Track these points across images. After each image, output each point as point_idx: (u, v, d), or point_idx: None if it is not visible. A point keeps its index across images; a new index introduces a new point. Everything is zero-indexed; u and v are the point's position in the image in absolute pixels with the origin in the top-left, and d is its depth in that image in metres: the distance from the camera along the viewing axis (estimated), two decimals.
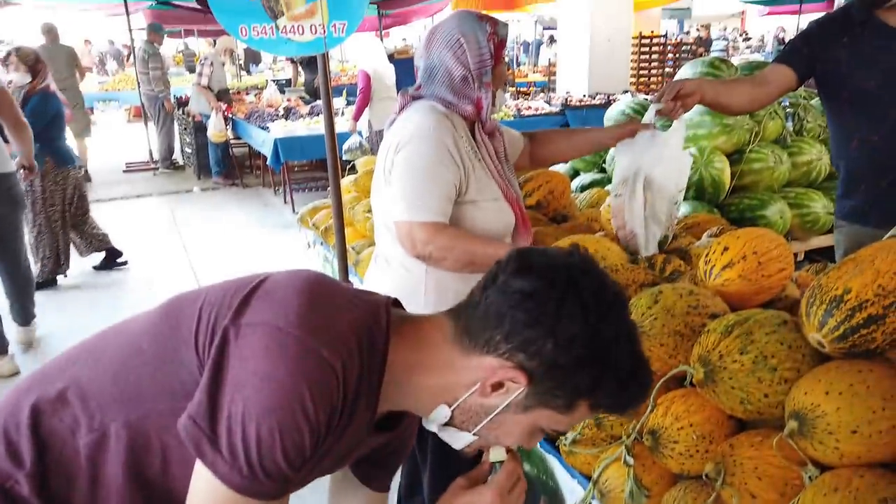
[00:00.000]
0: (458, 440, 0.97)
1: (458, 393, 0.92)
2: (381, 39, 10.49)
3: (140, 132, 9.14)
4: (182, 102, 8.95)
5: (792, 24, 15.09)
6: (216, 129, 7.72)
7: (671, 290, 1.49)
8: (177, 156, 9.39)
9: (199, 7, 8.84)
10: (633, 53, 9.60)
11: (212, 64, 7.83)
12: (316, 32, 2.58)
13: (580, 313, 0.85)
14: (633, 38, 9.36)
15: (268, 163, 6.94)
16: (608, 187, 2.80)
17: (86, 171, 8.28)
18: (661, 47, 10.69)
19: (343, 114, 7.20)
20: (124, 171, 9.10)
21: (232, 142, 8.19)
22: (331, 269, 3.21)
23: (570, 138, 2.04)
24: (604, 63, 8.09)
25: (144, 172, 8.96)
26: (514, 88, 11.28)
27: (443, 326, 0.93)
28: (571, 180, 3.85)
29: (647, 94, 8.40)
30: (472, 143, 1.70)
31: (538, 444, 1.66)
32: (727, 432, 1.36)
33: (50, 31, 8.17)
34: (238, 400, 0.79)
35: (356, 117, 6.24)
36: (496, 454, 1.00)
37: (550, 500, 1.68)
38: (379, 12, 10.16)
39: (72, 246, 4.99)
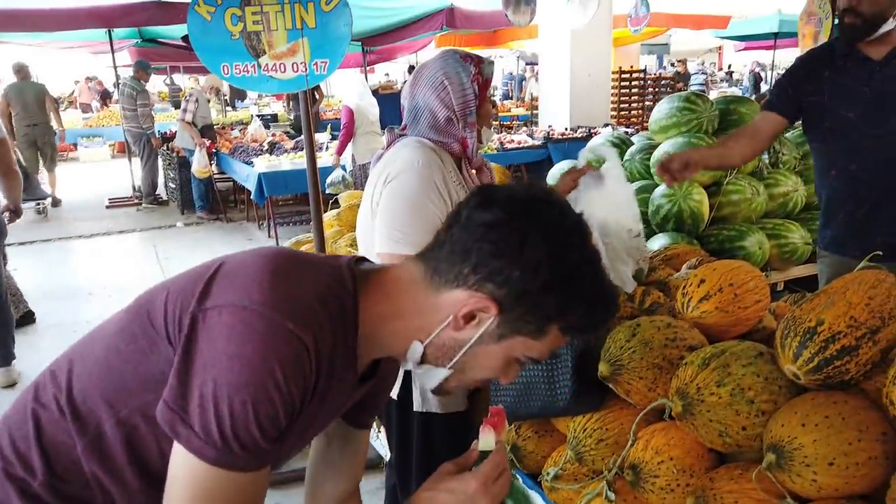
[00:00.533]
0: (434, 377, 0.99)
1: (432, 329, 0.94)
2: (366, 75, 10.62)
3: (124, 168, 9.14)
4: (167, 138, 8.98)
5: (767, 59, 15.47)
6: (200, 165, 7.73)
7: (649, 323, 1.50)
8: (161, 191, 9.38)
9: (183, 45, 8.93)
10: (613, 88, 9.77)
11: (196, 100, 7.88)
12: (298, 70, 2.60)
13: (543, 240, 0.87)
14: (612, 73, 9.54)
15: (252, 197, 6.94)
16: None
17: (54, 198, 8.93)
18: (641, 82, 10.90)
19: (327, 148, 7.25)
20: (107, 207, 9.06)
21: (216, 176, 8.20)
22: None
23: None
24: (584, 97, 8.23)
25: (128, 208, 8.94)
26: (497, 122, 11.43)
27: (410, 270, 0.96)
28: None
29: (628, 126, 8.55)
30: (460, 179, 1.72)
31: (520, 479, 1.64)
32: (707, 465, 1.36)
33: (20, 70, 8.53)
34: (209, 380, 0.81)
35: (339, 152, 6.29)
36: (485, 443, 1.01)
37: None
38: (363, 49, 10.29)
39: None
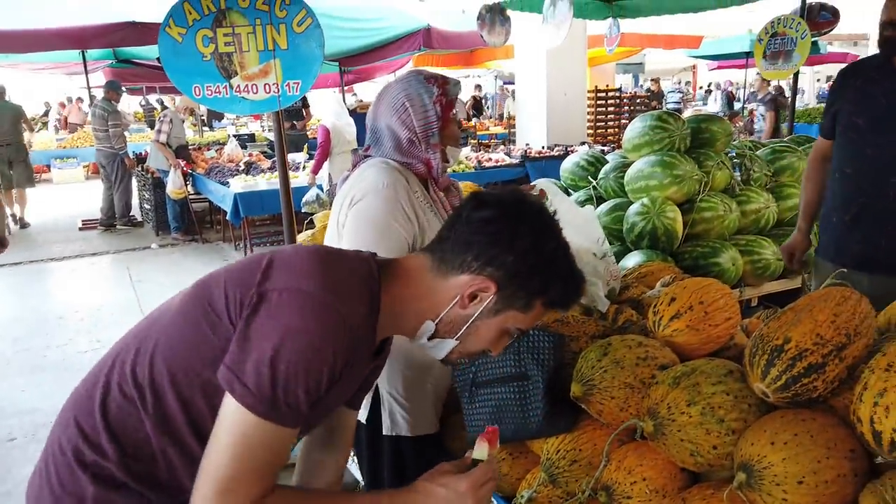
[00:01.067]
0: (443, 348, 1.18)
1: (441, 309, 1.13)
2: (343, 95, 10.63)
3: (98, 189, 9.04)
4: (141, 159, 8.90)
5: (739, 77, 15.75)
6: (175, 186, 7.66)
7: (620, 342, 1.50)
8: (135, 212, 9.27)
9: (159, 65, 8.87)
10: (589, 106, 9.89)
11: (170, 121, 7.82)
12: (270, 91, 2.60)
13: (529, 231, 1.10)
14: (588, 91, 9.66)
15: (228, 217, 6.88)
16: None
17: (22, 219, 9.04)
18: (617, 100, 11.03)
19: (304, 168, 7.23)
20: (80, 229, 8.93)
21: (192, 197, 8.13)
22: None
23: None
24: (561, 116, 8.31)
25: (101, 230, 8.81)
26: (475, 141, 11.48)
27: (421, 261, 1.16)
28: None
29: (604, 144, 8.64)
30: (427, 199, 1.71)
31: (495, 502, 1.62)
32: (680, 485, 1.35)
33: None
34: (267, 348, 0.96)
35: (315, 171, 6.28)
36: (479, 453, 1.15)
37: None
38: (340, 69, 10.30)
39: None
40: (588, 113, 9.68)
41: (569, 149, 7.55)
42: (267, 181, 6.78)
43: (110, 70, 10.23)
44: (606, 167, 3.84)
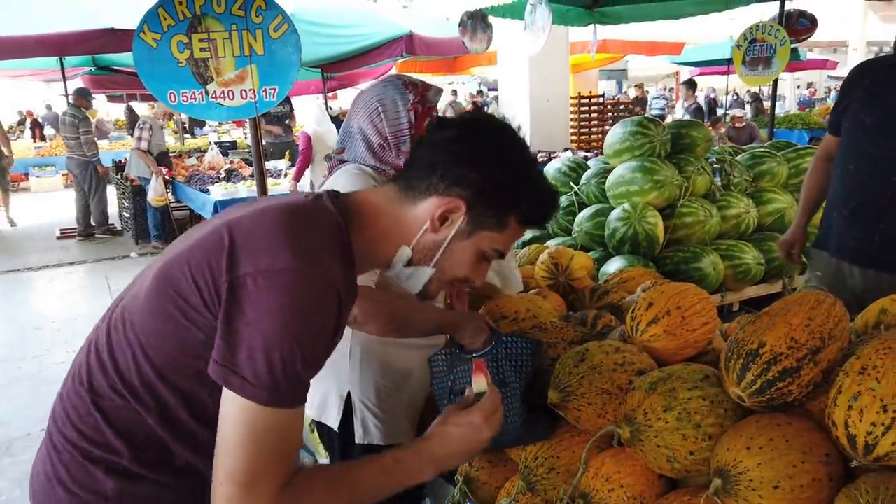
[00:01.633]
0: (420, 277, 1.16)
1: (413, 235, 1.12)
2: (326, 102, 10.60)
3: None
4: (121, 166, 8.81)
5: (721, 84, 15.92)
6: (156, 194, 7.60)
7: (597, 348, 1.49)
8: (115, 221, 9.17)
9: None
10: (572, 113, 9.92)
11: (150, 127, 7.76)
12: (246, 97, 2.57)
13: (493, 146, 1.09)
14: (571, 98, 9.70)
15: None
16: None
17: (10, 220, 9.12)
18: (600, 106, 11.09)
19: (286, 174, 7.19)
20: (58, 238, 8.81)
21: (172, 205, 8.05)
22: None
23: None
24: (544, 122, 8.34)
25: (79, 239, 8.70)
26: None
27: (387, 192, 1.14)
28: None
29: (588, 150, 8.68)
30: None
31: None
32: (658, 492, 1.34)
33: None
34: (256, 335, 0.93)
35: (297, 178, 6.25)
36: (478, 387, 1.16)
37: None
38: (323, 75, 10.27)
39: None
40: (571, 119, 9.72)
41: (552, 154, 7.56)
42: (247, 188, 6.73)
43: (89, 77, 10.12)
44: (588, 173, 3.85)
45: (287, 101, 8.91)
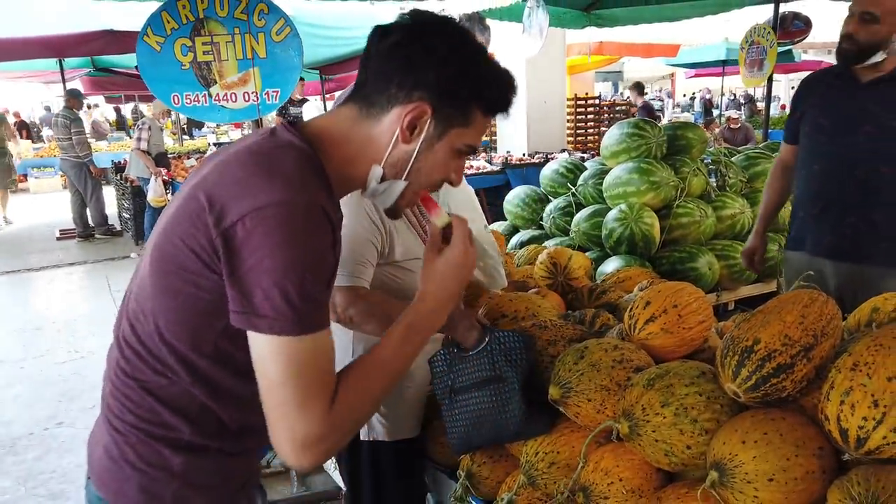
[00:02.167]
0: (394, 190, 1.14)
1: (384, 151, 1.10)
2: (325, 103, 10.64)
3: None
4: (120, 167, 8.82)
5: (716, 85, 15.98)
6: (156, 194, 7.61)
7: (596, 346, 1.52)
8: (115, 221, 9.18)
9: (137, 73, 8.84)
10: (569, 114, 9.96)
11: (149, 128, 7.78)
12: (249, 100, 2.60)
13: (440, 42, 1.07)
14: (568, 99, 9.74)
15: None
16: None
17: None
18: (596, 108, 11.13)
19: None
20: (58, 239, 8.83)
21: None
22: None
23: None
24: (541, 123, 8.37)
25: (78, 240, 8.72)
26: None
27: (348, 113, 1.12)
28: (511, 237, 3.93)
29: (584, 151, 8.72)
30: None
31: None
32: (656, 485, 1.37)
33: None
34: (262, 276, 0.94)
35: None
36: (441, 219, 1.16)
37: None
38: (321, 77, 10.31)
39: None
40: (568, 120, 9.76)
41: (549, 156, 7.60)
42: None
43: (88, 79, 10.15)
44: (585, 174, 3.89)
45: (303, 101, 8.94)
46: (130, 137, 13.18)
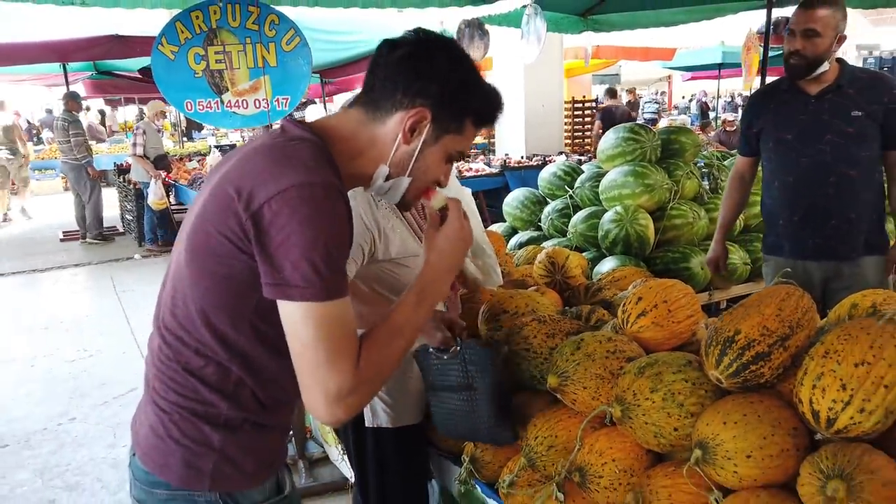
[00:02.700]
0: (399, 187, 1.29)
1: (388, 151, 1.24)
2: (325, 106, 10.76)
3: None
4: (123, 169, 8.92)
5: (712, 88, 16.11)
6: (156, 197, 7.71)
7: (591, 338, 1.64)
8: (117, 223, 9.27)
9: (139, 77, 8.94)
10: (566, 117, 10.09)
11: (144, 132, 7.80)
12: (260, 107, 2.72)
13: (444, 58, 1.22)
14: (566, 102, 9.86)
15: None
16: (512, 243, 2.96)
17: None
18: (593, 111, 11.27)
19: None
20: (61, 240, 8.92)
21: (174, 207, 8.17)
22: None
23: None
24: (539, 126, 8.49)
25: (82, 241, 8.81)
26: None
27: (355, 115, 1.26)
28: (510, 238, 4.04)
29: (582, 154, 8.84)
30: (391, 205, 1.78)
31: (479, 488, 1.75)
32: (646, 465, 1.49)
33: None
34: (291, 249, 1.05)
35: None
36: (438, 202, 1.31)
37: None
38: (322, 80, 10.43)
39: None
40: (565, 123, 9.88)
41: (547, 159, 7.71)
42: None
43: (91, 82, 10.26)
44: (582, 177, 4.00)
45: (306, 104, 9.05)
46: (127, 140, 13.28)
